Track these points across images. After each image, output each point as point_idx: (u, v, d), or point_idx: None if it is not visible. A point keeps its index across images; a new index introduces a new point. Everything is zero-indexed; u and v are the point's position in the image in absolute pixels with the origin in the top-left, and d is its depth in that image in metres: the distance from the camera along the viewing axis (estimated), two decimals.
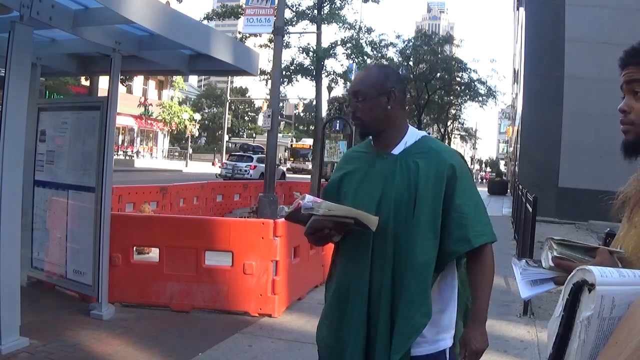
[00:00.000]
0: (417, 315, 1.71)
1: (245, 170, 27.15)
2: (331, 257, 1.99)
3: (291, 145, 49.66)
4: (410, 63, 31.18)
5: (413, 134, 1.87)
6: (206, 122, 63.73)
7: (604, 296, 0.92)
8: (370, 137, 1.92)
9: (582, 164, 15.92)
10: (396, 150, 1.83)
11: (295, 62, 17.70)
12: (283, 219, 5.24)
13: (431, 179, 1.75)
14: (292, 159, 45.96)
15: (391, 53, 25.82)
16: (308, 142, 44.82)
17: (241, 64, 5.20)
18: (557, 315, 0.98)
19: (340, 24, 17.15)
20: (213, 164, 43.99)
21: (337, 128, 20.40)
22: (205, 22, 15.92)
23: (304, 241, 5.51)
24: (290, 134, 58.42)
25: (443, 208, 1.75)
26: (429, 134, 2.04)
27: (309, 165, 38.03)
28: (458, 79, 33.07)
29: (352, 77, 19.85)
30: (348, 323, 1.80)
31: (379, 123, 1.83)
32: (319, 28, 17.23)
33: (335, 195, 1.89)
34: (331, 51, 17.33)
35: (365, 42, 18.46)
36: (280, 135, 36.30)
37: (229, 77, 43.11)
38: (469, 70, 31.90)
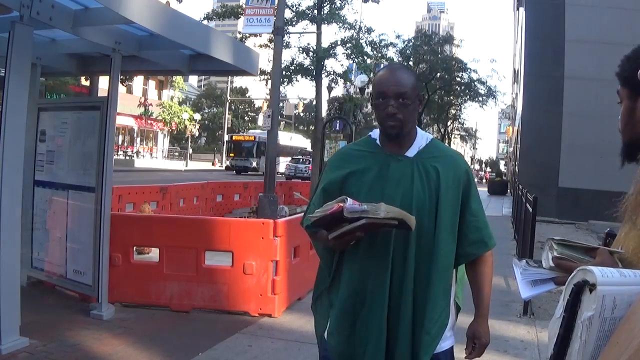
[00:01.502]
0: (442, 316, 1.77)
1: (305, 170, 30.42)
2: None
3: (231, 137, 40.55)
4: (410, 63, 31.21)
5: (423, 136, 1.88)
6: (206, 122, 63.70)
7: (605, 296, 0.92)
8: (374, 136, 1.90)
9: (582, 164, 15.92)
10: (410, 153, 1.83)
11: (295, 62, 17.71)
12: (283, 220, 5.24)
13: (450, 184, 1.79)
14: (232, 154, 38.04)
15: (391, 53, 25.82)
16: (256, 133, 37.87)
17: (241, 64, 5.20)
18: (558, 316, 0.97)
19: (340, 24, 17.16)
20: (213, 164, 44.09)
21: (337, 128, 20.43)
22: (205, 22, 15.91)
23: (304, 241, 5.53)
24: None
25: (459, 212, 1.81)
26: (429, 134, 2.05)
27: (254, 163, 35.86)
28: (458, 79, 33.14)
29: (352, 77, 19.91)
30: (364, 328, 1.76)
31: (411, 125, 1.82)
32: (319, 28, 17.24)
33: (338, 196, 1.81)
34: (331, 51, 17.34)
35: (365, 42, 18.51)
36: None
37: (229, 77, 43.04)
38: (469, 70, 32.02)
